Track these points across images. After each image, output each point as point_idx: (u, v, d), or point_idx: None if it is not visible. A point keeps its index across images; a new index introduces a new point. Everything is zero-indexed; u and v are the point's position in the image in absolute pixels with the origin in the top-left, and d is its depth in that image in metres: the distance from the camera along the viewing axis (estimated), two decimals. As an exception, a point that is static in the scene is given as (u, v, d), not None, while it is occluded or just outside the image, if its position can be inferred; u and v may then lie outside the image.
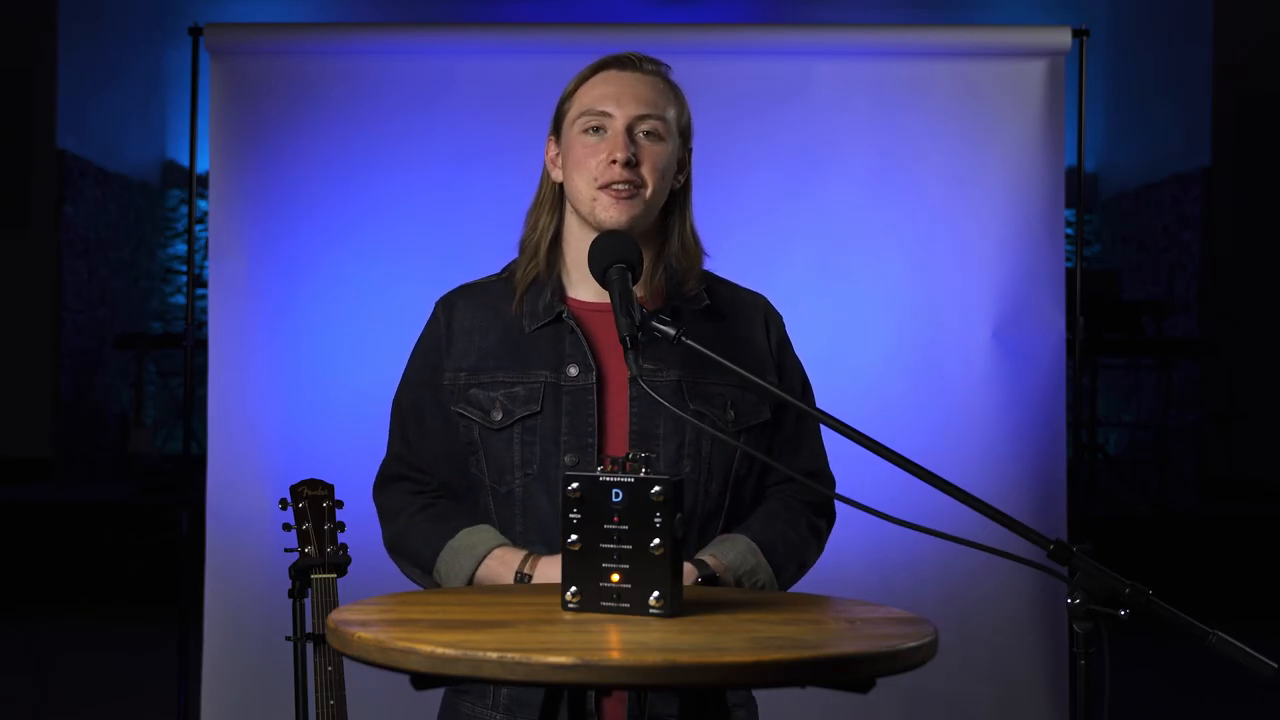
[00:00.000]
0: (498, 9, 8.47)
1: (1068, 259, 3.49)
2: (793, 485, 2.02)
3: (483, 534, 1.94)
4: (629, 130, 1.94)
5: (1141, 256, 9.43)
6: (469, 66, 3.41)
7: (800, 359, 2.12)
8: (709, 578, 1.86)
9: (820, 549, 2.06)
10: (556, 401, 1.94)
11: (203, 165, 3.48)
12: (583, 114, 1.96)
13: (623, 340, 1.75)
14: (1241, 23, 8.67)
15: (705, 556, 1.90)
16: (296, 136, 3.39)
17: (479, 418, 1.97)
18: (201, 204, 7.14)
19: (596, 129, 1.95)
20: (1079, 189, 3.82)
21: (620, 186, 1.92)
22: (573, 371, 1.95)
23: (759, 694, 2.03)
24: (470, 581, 1.92)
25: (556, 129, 2.02)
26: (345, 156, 3.39)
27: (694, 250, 2.03)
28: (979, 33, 3.73)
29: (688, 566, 1.86)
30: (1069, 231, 5.79)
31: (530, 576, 1.87)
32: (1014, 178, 3.40)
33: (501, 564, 1.90)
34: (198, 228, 3.91)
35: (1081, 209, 8.10)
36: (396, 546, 2.05)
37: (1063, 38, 3.41)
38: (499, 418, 1.95)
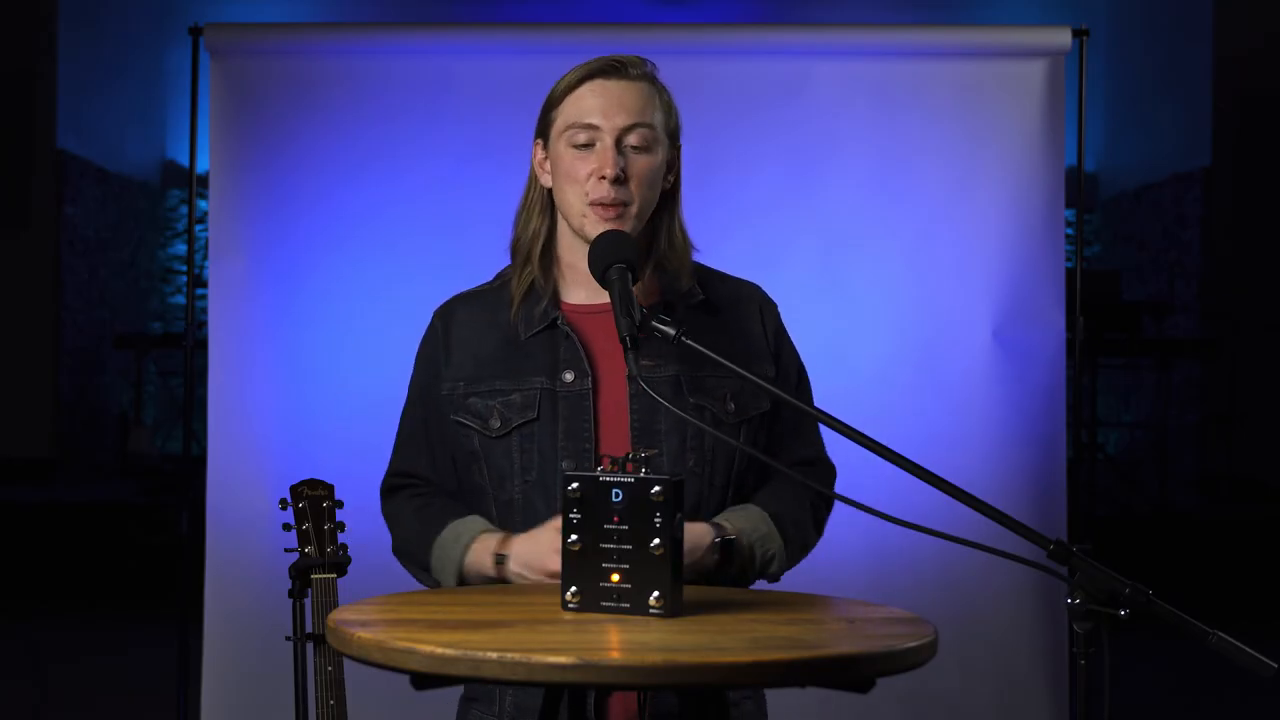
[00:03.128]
0: (498, 9, 8.47)
1: (1068, 259, 3.49)
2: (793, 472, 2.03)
3: (468, 524, 1.95)
4: (618, 144, 1.93)
5: (1141, 256, 9.43)
6: (469, 66, 3.41)
7: (799, 351, 2.12)
8: (726, 541, 1.87)
9: (819, 535, 2.07)
10: (553, 407, 1.94)
11: (203, 165, 3.48)
12: (570, 127, 1.95)
13: (623, 340, 1.76)
14: (1241, 23, 8.67)
15: (720, 520, 1.91)
16: (296, 136, 3.39)
17: (478, 426, 1.97)
18: (201, 204, 7.14)
19: (585, 144, 1.94)
20: (1079, 189, 3.82)
21: (608, 205, 1.92)
22: (568, 377, 1.95)
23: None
24: (460, 572, 1.92)
25: (543, 133, 2.01)
26: (345, 156, 3.39)
27: (682, 247, 2.03)
28: (979, 33, 3.73)
29: (703, 528, 1.87)
30: (1069, 231, 5.78)
31: (506, 556, 1.87)
32: (1014, 178, 3.40)
33: (483, 547, 1.90)
34: (198, 228, 3.91)
35: (1081, 209, 8.11)
36: (403, 550, 2.06)
37: (1063, 38, 3.41)
38: (497, 426, 1.96)
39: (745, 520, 1.94)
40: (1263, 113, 8.65)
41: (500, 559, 1.88)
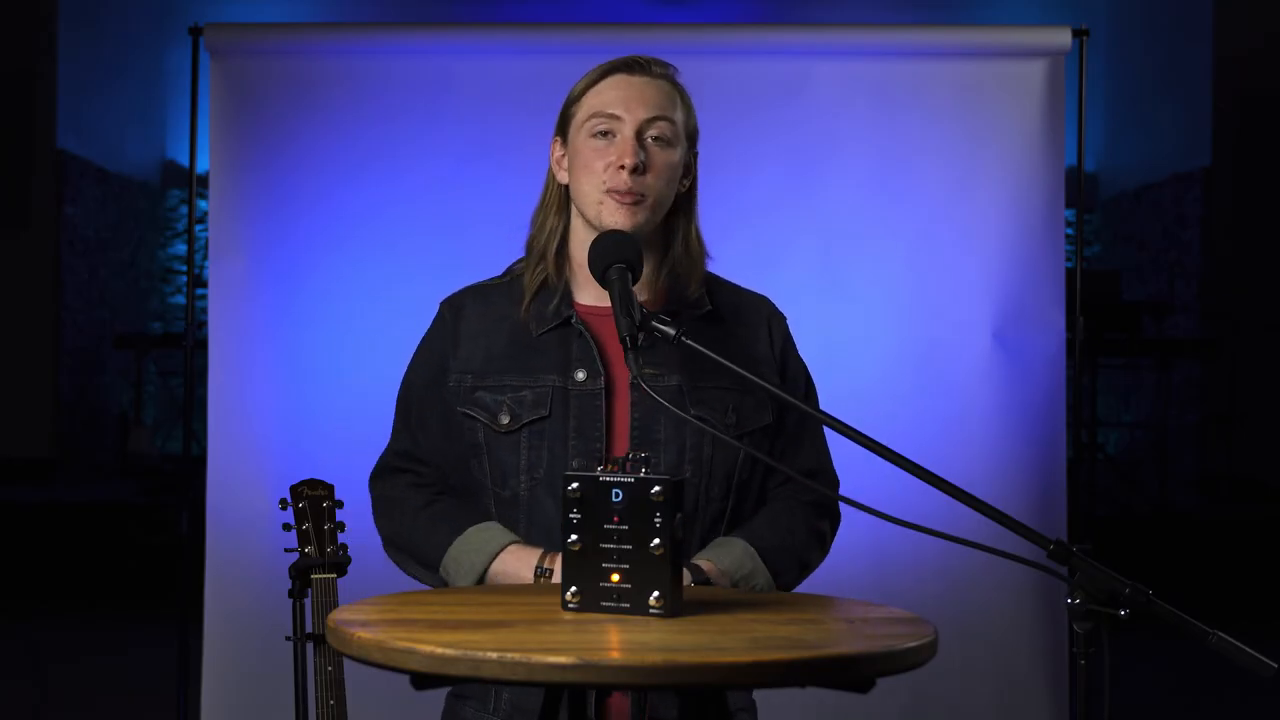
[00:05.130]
0: (498, 9, 8.47)
1: (1068, 259, 3.49)
2: (795, 486, 2.02)
3: (493, 531, 1.94)
4: (638, 135, 1.94)
5: (1141, 256, 9.43)
6: (469, 66, 3.41)
7: (803, 359, 2.12)
8: (702, 583, 1.86)
9: (824, 551, 2.06)
10: (565, 406, 1.94)
11: (203, 165, 3.48)
12: (592, 117, 1.95)
13: (623, 340, 1.75)
14: (1241, 23, 8.67)
15: (700, 561, 1.90)
16: (296, 136, 3.39)
17: (486, 420, 1.97)
18: (201, 204, 7.14)
19: (605, 133, 1.95)
20: (1079, 189, 3.82)
21: (625, 194, 1.92)
22: (580, 376, 1.95)
23: (759, 695, 2.03)
24: (481, 579, 1.91)
25: (562, 131, 2.02)
26: (345, 156, 3.39)
27: (697, 253, 2.03)
28: (979, 33, 3.73)
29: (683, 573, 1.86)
30: (1069, 231, 5.78)
31: (551, 571, 1.86)
32: (1014, 178, 3.40)
33: (518, 560, 1.89)
34: (198, 228, 3.91)
35: (1081, 209, 8.11)
36: (397, 542, 2.04)
37: (1063, 38, 3.41)
38: (506, 421, 1.95)
39: (729, 558, 1.91)
40: (1263, 113, 8.65)
41: (543, 571, 1.87)
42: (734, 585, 1.89)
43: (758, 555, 1.93)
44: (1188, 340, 8.63)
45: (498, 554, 1.91)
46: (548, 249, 2.01)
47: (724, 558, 1.91)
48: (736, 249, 3.20)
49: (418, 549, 2.00)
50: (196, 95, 3.61)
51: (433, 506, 2.02)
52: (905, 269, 3.40)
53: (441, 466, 2.04)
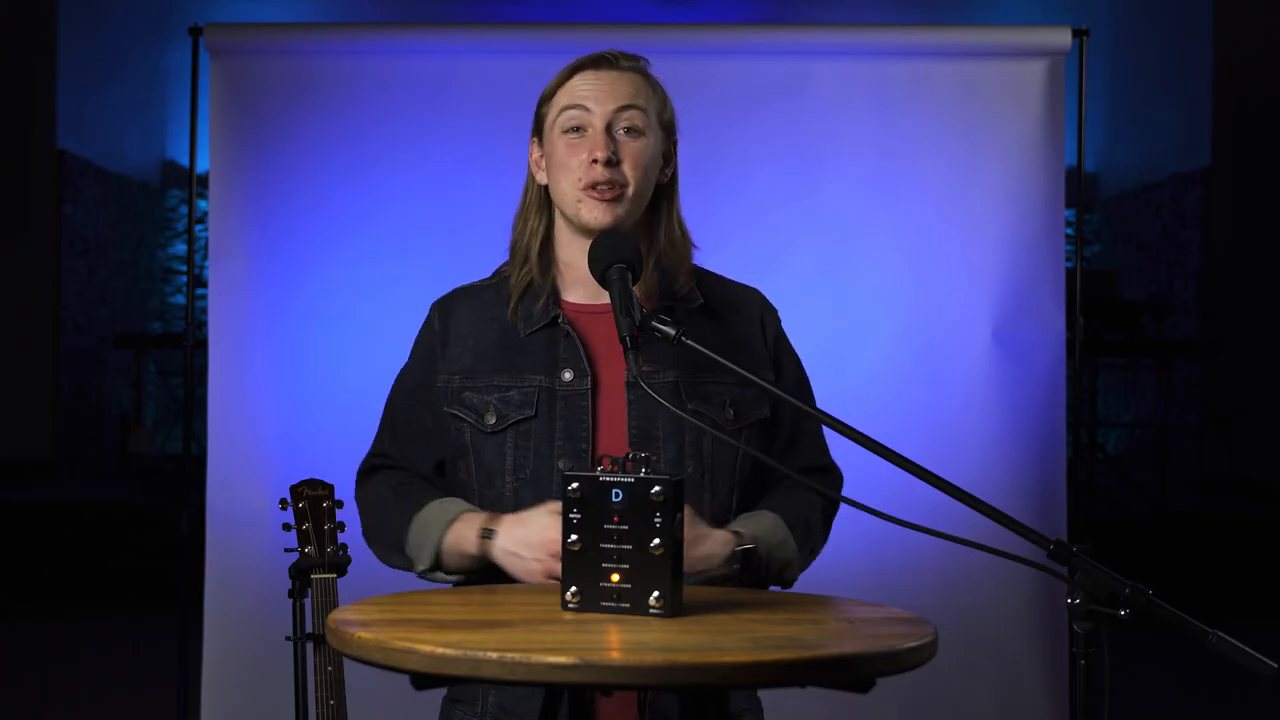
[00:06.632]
0: (498, 9, 8.47)
1: (1068, 259, 3.49)
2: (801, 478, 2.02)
3: (453, 503, 1.94)
4: (608, 128, 1.94)
5: (1141, 256, 9.43)
6: (469, 66, 3.41)
7: (798, 355, 2.12)
8: (746, 550, 1.86)
9: (825, 539, 2.06)
10: (551, 406, 1.94)
11: (203, 165, 3.48)
12: (562, 114, 1.96)
13: (623, 341, 1.75)
14: (1241, 23, 8.67)
15: (738, 528, 1.90)
16: (296, 136, 3.39)
17: (472, 420, 1.97)
18: (201, 204, 7.14)
19: (577, 129, 1.95)
20: (1079, 189, 3.82)
21: (603, 187, 1.92)
22: (567, 376, 1.95)
23: (762, 694, 2.03)
24: (438, 551, 1.90)
25: (538, 131, 2.02)
26: (345, 156, 3.39)
27: (682, 243, 2.03)
28: (979, 33, 3.73)
29: (724, 535, 1.86)
30: (1069, 231, 5.79)
31: (494, 532, 1.85)
32: (1014, 178, 3.40)
33: (467, 525, 1.88)
34: (198, 228, 3.91)
35: (1081, 209, 8.10)
36: (372, 533, 2.04)
37: (1063, 38, 3.41)
38: (492, 421, 1.95)
39: (761, 527, 1.92)
40: (1263, 113, 8.65)
41: (487, 534, 1.85)
42: (768, 553, 1.89)
43: (785, 527, 1.94)
44: (1188, 340, 8.62)
45: (451, 523, 1.90)
46: (530, 250, 2.01)
47: (756, 526, 1.91)
48: (736, 249, 3.23)
49: (387, 532, 1.99)
50: (196, 95, 3.61)
51: (404, 489, 2.01)
52: (905, 269, 3.40)
53: (421, 469, 2.04)
